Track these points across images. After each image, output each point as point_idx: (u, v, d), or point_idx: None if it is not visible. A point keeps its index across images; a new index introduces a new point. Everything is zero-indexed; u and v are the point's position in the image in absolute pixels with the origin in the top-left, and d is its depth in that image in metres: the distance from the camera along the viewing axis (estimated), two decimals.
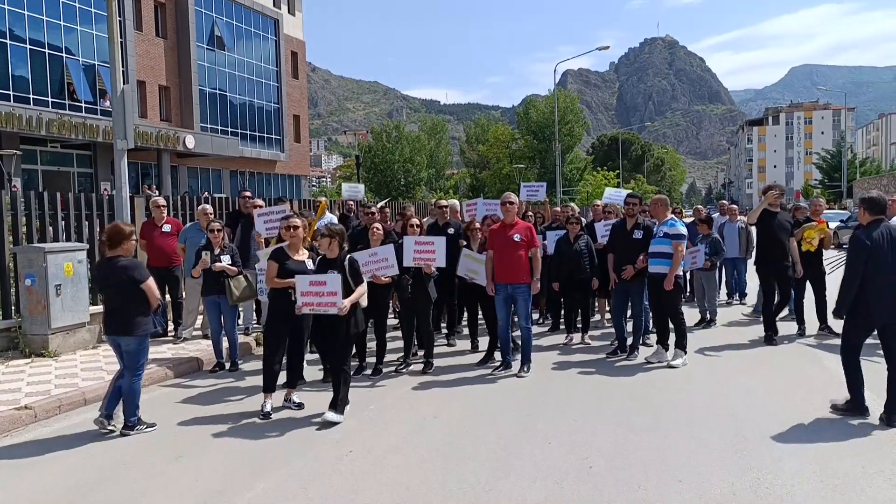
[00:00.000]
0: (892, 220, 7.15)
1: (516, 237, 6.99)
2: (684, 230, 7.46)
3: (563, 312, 9.21)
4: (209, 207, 8.67)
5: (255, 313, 9.24)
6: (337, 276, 5.51)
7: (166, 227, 8.78)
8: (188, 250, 8.30)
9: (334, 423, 5.44)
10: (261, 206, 8.82)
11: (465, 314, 8.81)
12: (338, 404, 5.58)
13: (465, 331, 8.77)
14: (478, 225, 8.07)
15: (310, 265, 5.93)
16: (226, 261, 7.28)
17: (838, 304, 5.40)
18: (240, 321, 8.67)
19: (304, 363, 6.75)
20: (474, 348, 8.20)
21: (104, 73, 27.55)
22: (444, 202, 9.13)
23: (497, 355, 7.46)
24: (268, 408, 5.78)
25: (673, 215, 7.70)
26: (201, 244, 7.55)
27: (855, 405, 5.39)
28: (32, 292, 7.77)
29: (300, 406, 5.94)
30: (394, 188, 53.41)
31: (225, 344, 7.54)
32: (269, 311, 6.05)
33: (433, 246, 7.07)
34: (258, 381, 6.85)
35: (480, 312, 8.03)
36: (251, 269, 7.74)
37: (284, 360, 6.09)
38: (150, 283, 5.43)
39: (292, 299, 5.71)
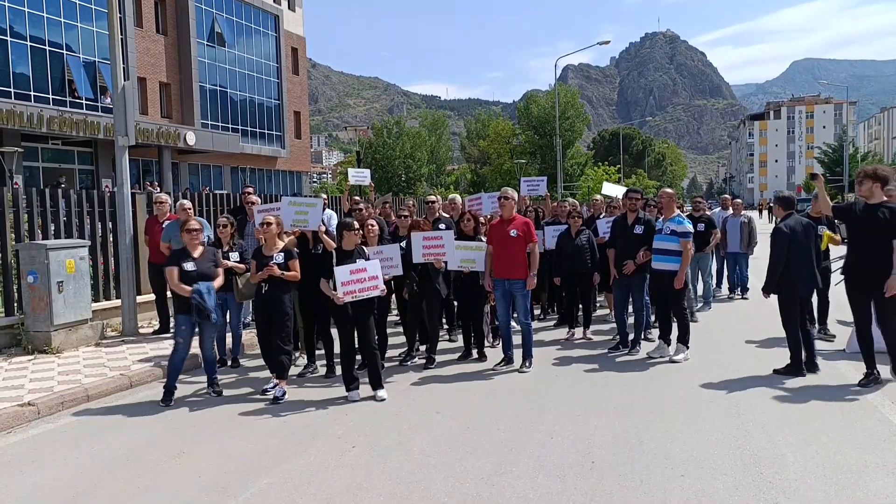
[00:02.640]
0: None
1: (513, 232, 6.99)
2: (691, 228, 7.47)
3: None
4: (187, 202, 8.39)
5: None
6: (376, 261, 6.15)
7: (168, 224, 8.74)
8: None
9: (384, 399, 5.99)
10: (257, 202, 8.79)
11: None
12: (380, 381, 6.13)
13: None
14: (469, 214, 7.81)
15: (278, 259, 6.26)
16: (234, 258, 7.24)
17: (766, 284, 6.51)
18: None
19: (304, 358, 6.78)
20: (467, 345, 7.81)
21: (105, 70, 27.52)
22: (432, 197, 9.10)
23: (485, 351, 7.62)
24: (269, 385, 6.27)
25: (679, 211, 7.71)
26: (210, 241, 7.51)
27: (793, 367, 6.44)
28: (34, 289, 7.78)
29: (277, 400, 6.01)
30: (395, 184, 53.44)
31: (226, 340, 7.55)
32: (253, 305, 6.36)
33: (442, 241, 7.07)
34: (259, 377, 6.88)
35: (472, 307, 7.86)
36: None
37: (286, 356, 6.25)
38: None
39: (262, 293, 6.26)
